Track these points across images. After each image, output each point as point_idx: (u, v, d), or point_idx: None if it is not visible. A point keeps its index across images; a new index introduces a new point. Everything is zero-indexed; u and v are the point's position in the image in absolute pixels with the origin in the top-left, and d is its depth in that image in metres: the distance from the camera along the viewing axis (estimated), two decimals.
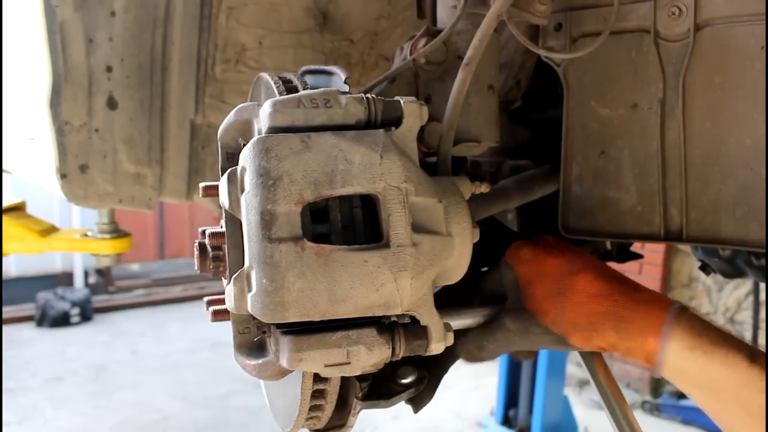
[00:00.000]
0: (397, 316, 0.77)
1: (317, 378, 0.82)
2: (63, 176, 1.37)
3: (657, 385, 6.34)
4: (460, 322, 0.96)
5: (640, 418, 5.66)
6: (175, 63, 1.41)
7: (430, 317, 0.77)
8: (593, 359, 1.00)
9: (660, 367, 0.82)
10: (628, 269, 6.26)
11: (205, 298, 0.88)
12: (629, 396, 6.18)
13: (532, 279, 0.92)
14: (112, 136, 1.39)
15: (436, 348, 0.78)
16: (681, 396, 5.94)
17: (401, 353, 0.77)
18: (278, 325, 0.74)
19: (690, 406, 5.78)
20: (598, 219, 1.09)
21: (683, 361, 0.80)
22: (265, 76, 0.87)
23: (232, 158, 0.84)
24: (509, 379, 5.46)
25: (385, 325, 0.77)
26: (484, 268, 1.27)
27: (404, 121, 0.78)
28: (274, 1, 1.46)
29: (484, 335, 0.95)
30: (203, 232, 0.86)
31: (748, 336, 5.78)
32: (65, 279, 8.98)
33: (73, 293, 8.52)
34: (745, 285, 5.61)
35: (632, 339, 0.84)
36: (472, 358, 0.98)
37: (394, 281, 0.72)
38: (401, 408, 1.07)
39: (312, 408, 0.86)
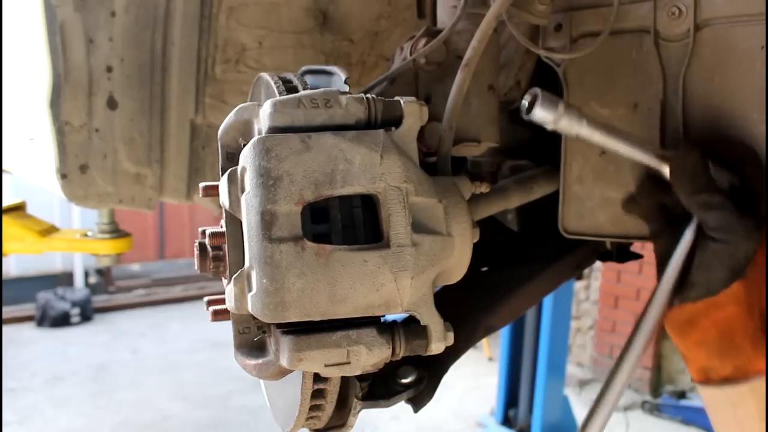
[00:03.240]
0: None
1: (317, 378, 0.82)
2: (63, 176, 1.37)
3: (657, 385, 6.33)
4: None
5: (640, 418, 5.68)
6: (175, 63, 1.41)
7: (430, 317, 0.77)
8: None
9: (752, 380, 0.84)
10: (628, 269, 6.29)
11: (205, 298, 0.88)
12: (629, 396, 6.17)
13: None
14: (112, 136, 1.39)
15: (436, 348, 0.78)
16: (681, 396, 5.94)
17: (401, 353, 0.77)
18: (278, 325, 0.75)
19: (690, 406, 5.77)
20: (599, 219, 1.09)
21: None
22: (265, 76, 0.87)
23: (232, 158, 0.84)
24: (509, 379, 5.46)
25: (385, 325, 0.77)
26: (484, 268, 1.26)
27: (404, 121, 0.78)
28: (274, 1, 1.46)
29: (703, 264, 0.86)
30: (203, 232, 0.86)
31: None
32: (65, 279, 8.99)
33: (73, 293, 8.53)
34: None
35: (758, 348, 0.85)
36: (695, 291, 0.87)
37: (394, 281, 0.72)
38: (401, 408, 1.07)
39: (312, 408, 0.86)
